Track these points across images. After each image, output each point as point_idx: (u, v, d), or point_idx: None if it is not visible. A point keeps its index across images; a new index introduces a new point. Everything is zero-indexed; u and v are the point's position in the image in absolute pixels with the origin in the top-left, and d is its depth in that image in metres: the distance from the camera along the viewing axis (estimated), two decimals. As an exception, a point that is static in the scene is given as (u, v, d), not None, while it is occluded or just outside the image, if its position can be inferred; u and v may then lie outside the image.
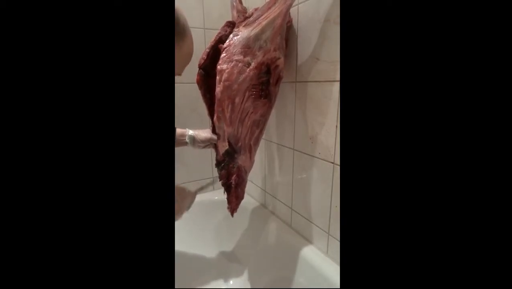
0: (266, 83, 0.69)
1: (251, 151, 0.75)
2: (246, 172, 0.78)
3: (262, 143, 0.98)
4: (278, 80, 0.72)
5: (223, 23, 0.71)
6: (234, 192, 0.77)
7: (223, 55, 0.64)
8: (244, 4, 0.73)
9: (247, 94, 0.67)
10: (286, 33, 0.73)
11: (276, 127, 0.90)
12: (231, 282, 1.01)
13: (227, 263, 1.06)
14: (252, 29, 0.64)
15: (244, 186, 0.79)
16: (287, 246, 0.86)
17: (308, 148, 0.75)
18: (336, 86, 0.63)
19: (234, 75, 0.64)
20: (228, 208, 0.81)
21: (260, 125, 0.73)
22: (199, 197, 0.81)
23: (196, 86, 0.72)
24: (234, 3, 0.71)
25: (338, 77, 0.62)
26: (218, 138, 0.72)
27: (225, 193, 0.79)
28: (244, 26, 0.65)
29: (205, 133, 0.74)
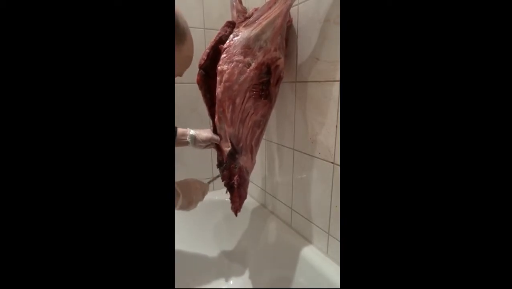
0: (267, 83, 0.69)
1: (252, 151, 0.75)
2: (248, 173, 0.78)
3: (262, 143, 0.98)
4: (279, 80, 0.72)
5: (223, 23, 0.71)
6: (237, 192, 0.77)
7: (223, 55, 0.64)
8: (244, 4, 0.73)
9: (247, 94, 0.67)
10: (286, 33, 0.73)
11: (276, 127, 0.90)
12: (231, 282, 1.01)
13: (227, 263, 1.06)
14: (252, 30, 0.64)
15: (247, 186, 0.80)
16: (287, 246, 0.86)
17: (308, 148, 0.75)
18: (336, 86, 0.63)
19: (235, 76, 0.64)
20: (231, 208, 0.81)
21: (261, 125, 0.73)
22: (199, 197, 0.81)
23: (196, 86, 0.73)
24: (234, 3, 0.71)
25: (338, 77, 0.62)
26: (220, 138, 0.72)
27: (227, 193, 0.79)
28: (244, 26, 0.65)
29: (206, 133, 0.74)
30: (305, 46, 0.71)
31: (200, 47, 0.91)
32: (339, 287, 0.61)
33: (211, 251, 1.08)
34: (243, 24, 0.66)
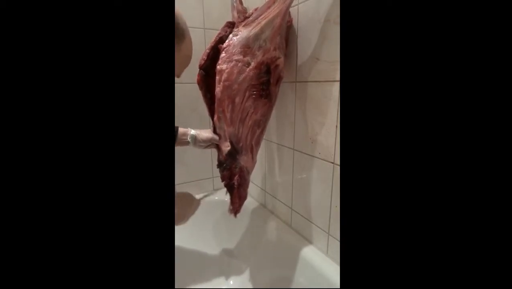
0: (267, 83, 0.69)
1: (252, 151, 0.75)
2: (249, 172, 0.78)
3: (262, 143, 0.98)
4: (279, 80, 0.72)
5: (223, 23, 0.71)
6: (237, 193, 0.77)
7: (222, 55, 0.64)
8: (244, 4, 0.73)
9: (247, 94, 0.66)
10: (286, 33, 0.73)
11: (276, 127, 0.90)
12: (231, 282, 1.01)
13: (227, 263, 1.06)
14: (252, 29, 0.64)
15: (247, 187, 0.79)
16: (287, 246, 0.86)
17: (308, 148, 0.75)
18: (336, 86, 0.62)
19: (234, 75, 0.64)
20: (230, 209, 0.80)
21: (261, 125, 0.73)
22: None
23: (196, 86, 0.73)
24: (235, 4, 0.71)
25: (338, 77, 0.62)
26: (219, 138, 0.72)
27: (227, 193, 0.79)
28: (243, 26, 0.65)
29: (206, 133, 0.75)
30: (305, 46, 0.71)
31: (200, 47, 0.91)
32: (339, 287, 0.61)
33: (211, 251, 1.08)
34: (243, 23, 0.66)
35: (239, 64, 0.64)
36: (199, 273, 1.02)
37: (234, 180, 0.74)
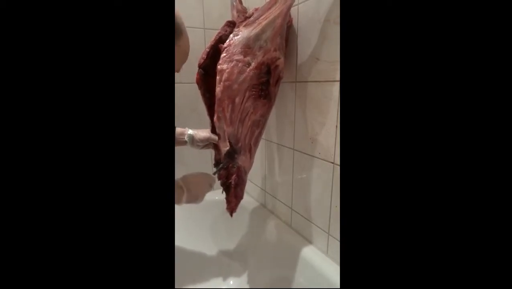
0: (266, 83, 0.69)
1: (251, 151, 0.75)
2: (246, 172, 0.78)
3: (262, 143, 0.98)
4: (278, 80, 0.72)
5: (223, 23, 0.71)
6: (234, 192, 0.77)
7: (223, 55, 0.64)
8: (244, 4, 0.73)
9: (247, 94, 0.66)
10: (286, 33, 0.73)
11: (276, 127, 0.90)
12: (231, 282, 1.01)
13: (227, 263, 1.06)
14: (252, 29, 0.64)
15: (244, 186, 0.79)
16: (287, 246, 0.86)
17: (308, 148, 0.75)
18: (336, 86, 0.62)
19: (234, 75, 0.64)
20: (227, 208, 0.81)
21: (260, 125, 0.73)
22: (199, 197, 0.81)
23: (196, 86, 0.73)
24: (234, 3, 0.71)
25: (338, 77, 0.62)
26: (219, 138, 0.72)
27: (223, 192, 0.79)
28: (244, 26, 0.65)
29: (204, 133, 0.75)
30: (305, 46, 0.71)
31: (200, 47, 0.91)
32: (339, 287, 0.61)
33: (211, 251, 1.08)
34: (243, 23, 0.66)
35: (240, 64, 0.64)
36: (198, 273, 1.02)
37: (231, 180, 0.74)
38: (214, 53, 0.69)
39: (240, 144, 0.71)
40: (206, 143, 0.75)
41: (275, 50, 0.67)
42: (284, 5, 0.63)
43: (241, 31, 0.65)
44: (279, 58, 0.69)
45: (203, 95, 0.73)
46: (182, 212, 0.72)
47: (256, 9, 0.69)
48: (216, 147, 0.76)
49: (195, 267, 1.03)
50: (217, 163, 0.76)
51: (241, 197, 0.81)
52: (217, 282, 1.01)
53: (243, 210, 0.85)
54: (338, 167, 0.65)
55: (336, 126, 0.64)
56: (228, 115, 0.66)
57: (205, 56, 0.69)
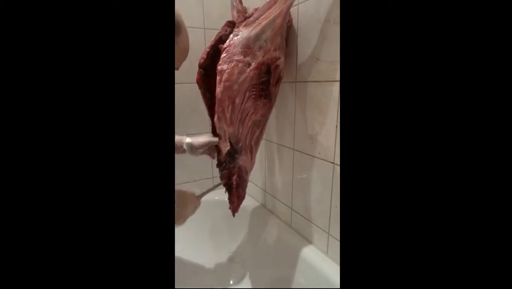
0: (266, 83, 0.69)
1: (252, 151, 0.75)
2: (247, 173, 0.78)
3: (262, 143, 0.98)
4: (278, 80, 0.72)
5: (223, 23, 0.71)
6: (236, 192, 0.77)
7: (223, 55, 0.64)
8: (244, 4, 0.73)
9: (247, 94, 0.66)
10: (286, 33, 0.73)
11: (276, 127, 0.90)
12: (231, 282, 1.01)
13: (227, 263, 1.06)
14: (252, 29, 0.64)
15: (245, 186, 0.80)
16: (287, 246, 0.86)
17: (308, 148, 0.75)
18: (336, 86, 0.62)
19: (235, 75, 0.64)
20: (229, 208, 0.81)
21: (260, 125, 0.73)
22: (199, 197, 0.81)
23: (196, 86, 0.73)
24: (234, 3, 0.71)
25: (338, 77, 0.62)
26: (219, 138, 0.72)
27: (226, 192, 0.79)
28: (244, 26, 0.65)
29: (202, 138, 0.74)
30: (305, 46, 0.71)
31: (200, 47, 0.91)
32: (339, 287, 0.61)
33: (211, 250, 1.08)
34: (243, 23, 0.66)
35: (240, 65, 0.64)
36: (198, 273, 1.02)
37: (233, 180, 0.74)
38: (214, 53, 0.69)
39: (240, 144, 0.71)
40: (205, 148, 0.75)
41: (275, 50, 0.67)
42: (284, 5, 0.63)
43: (241, 31, 0.65)
44: (279, 58, 0.69)
45: (204, 95, 0.73)
46: (182, 212, 0.72)
47: (256, 9, 0.69)
48: (218, 148, 0.76)
49: (195, 267, 1.03)
50: (219, 164, 0.76)
51: (243, 197, 0.81)
52: (217, 282, 1.01)
53: (243, 210, 0.85)
54: (338, 167, 0.65)
55: (336, 126, 0.64)
56: (228, 115, 0.66)
57: (205, 56, 0.69)
